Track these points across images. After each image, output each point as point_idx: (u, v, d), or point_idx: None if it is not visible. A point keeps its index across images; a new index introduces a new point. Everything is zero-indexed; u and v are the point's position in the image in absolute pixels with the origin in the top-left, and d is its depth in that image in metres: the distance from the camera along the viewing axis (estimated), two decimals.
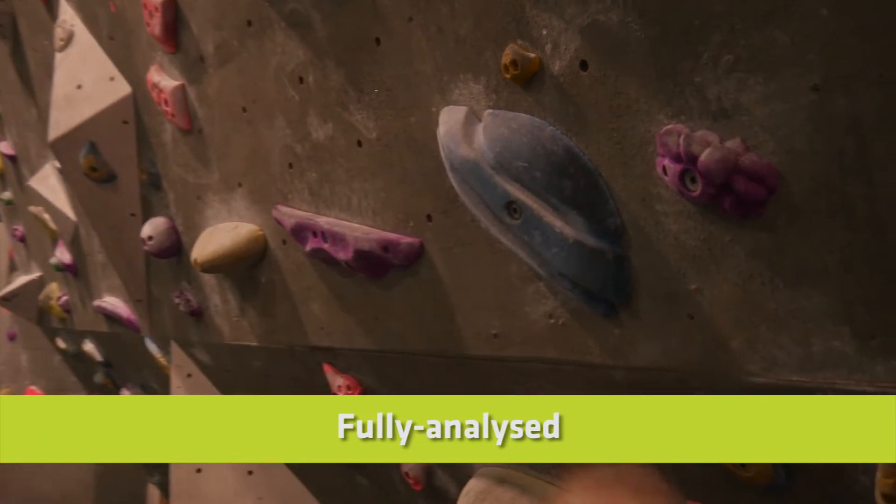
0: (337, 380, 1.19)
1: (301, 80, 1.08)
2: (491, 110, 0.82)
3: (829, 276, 0.63)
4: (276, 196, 1.18)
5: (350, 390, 1.16)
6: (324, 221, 1.06)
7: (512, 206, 0.77)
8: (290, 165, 1.14)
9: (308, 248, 1.09)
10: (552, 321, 0.82)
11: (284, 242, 1.19)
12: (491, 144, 0.78)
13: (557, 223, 0.74)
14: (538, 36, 0.79)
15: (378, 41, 0.96)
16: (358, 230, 1.01)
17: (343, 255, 1.01)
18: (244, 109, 1.22)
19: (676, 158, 0.67)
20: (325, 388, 1.25)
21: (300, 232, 1.09)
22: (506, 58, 0.80)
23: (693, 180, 0.67)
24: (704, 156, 0.65)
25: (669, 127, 0.69)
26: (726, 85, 0.67)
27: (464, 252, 0.92)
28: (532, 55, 0.79)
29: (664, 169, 0.69)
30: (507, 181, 0.77)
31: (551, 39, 0.78)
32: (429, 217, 0.95)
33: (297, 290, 1.20)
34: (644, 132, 0.73)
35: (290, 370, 1.32)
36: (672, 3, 0.67)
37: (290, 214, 1.11)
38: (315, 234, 1.07)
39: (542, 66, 0.79)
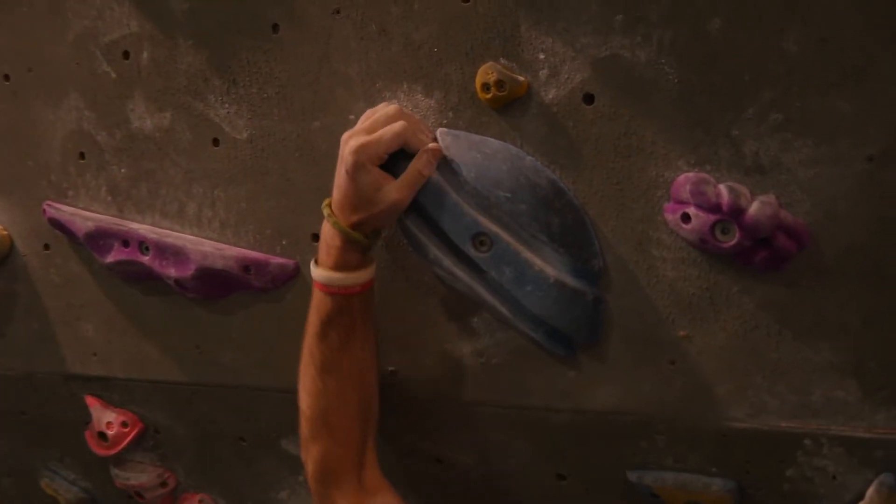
0: (106, 415, 1.04)
1: (126, 54, 0.83)
2: (446, 129, 0.68)
3: (847, 331, 0.61)
4: (45, 190, 0.93)
5: (126, 428, 1.04)
6: (146, 230, 0.87)
7: (480, 238, 0.67)
8: (82, 156, 0.90)
9: (109, 259, 0.89)
10: (481, 360, 0.76)
11: (48, 247, 0.96)
12: (464, 169, 0.66)
13: (537, 261, 0.66)
14: (531, 59, 0.64)
15: (276, 27, 0.76)
16: (206, 244, 0.84)
17: (175, 271, 0.84)
18: (6, 77, 0.93)
19: (712, 209, 0.59)
20: (68, 425, 1.08)
21: (100, 239, 0.89)
22: (489, 76, 0.64)
23: (725, 231, 0.60)
24: (754, 210, 0.58)
25: (700, 175, 0.59)
26: (768, 142, 0.58)
27: None
28: (521, 78, 0.64)
29: (684, 216, 0.61)
30: (478, 211, 0.66)
31: (549, 65, 0.63)
32: (315, 236, 0.80)
33: (58, 306, 0.99)
34: (655, 176, 0.63)
35: (16, 403, 1.11)
36: (721, 54, 0.58)
37: (85, 217, 0.90)
38: (127, 244, 0.88)
39: (530, 92, 0.64)
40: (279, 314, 0.86)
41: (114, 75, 0.86)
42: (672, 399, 0.70)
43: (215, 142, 0.83)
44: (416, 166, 0.64)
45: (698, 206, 0.59)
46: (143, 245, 0.87)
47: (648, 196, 0.64)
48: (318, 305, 0.69)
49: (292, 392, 0.79)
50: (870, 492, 0.65)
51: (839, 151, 0.57)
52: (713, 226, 0.59)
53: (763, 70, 0.58)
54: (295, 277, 0.83)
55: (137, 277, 0.91)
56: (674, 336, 0.67)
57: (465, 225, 0.65)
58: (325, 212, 0.66)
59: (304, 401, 0.74)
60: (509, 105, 0.67)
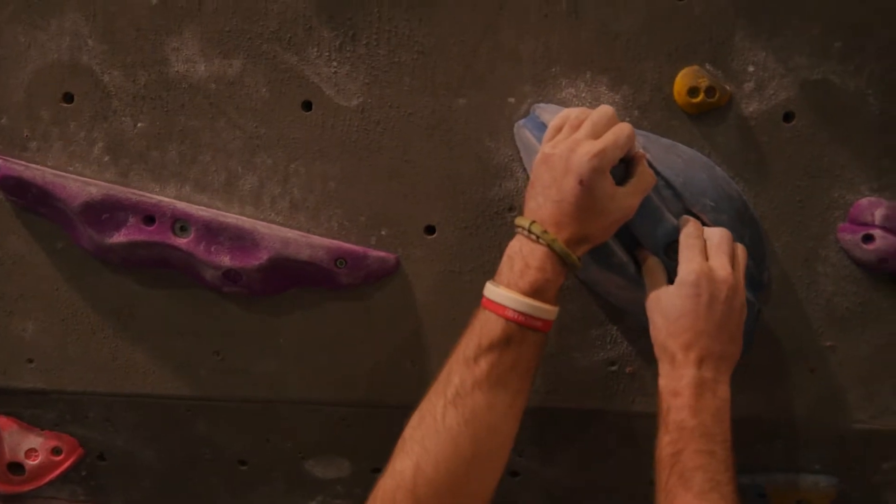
0: (28, 440, 1.14)
1: None
2: (638, 130, 0.93)
3: None
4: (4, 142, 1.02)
5: (59, 456, 1.15)
6: (187, 206, 1.01)
7: (675, 246, 0.94)
8: (68, 98, 1.00)
9: (115, 238, 1.00)
10: (613, 368, 1.08)
11: None
12: (669, 174, 0.92)
13: None
14: (739, 70, 0.93)
15: None
16: (284, 230, 1.01)
17: (232, 259, 1.00)
18: None
19: None
20: None
21: (105, 211, 0.99)
22: (700, 81, 0.91)
23: None
24: None
25: (887, 203, 0.96)
26: None
27: (477, 279, 1.02)
28: (728, 88, 0.91)
29: (865, 237, 0.95)
30: (677, 218, 0.92)
31: (756, 79, 0.93)
32: (429, 228, 1.03)
33: None
34: (837, 197, 0.99)
35: None
36: None
37: (86, 181, 1.00)
38: (151, 221, 1.00)
39: (731, 102, 0.92)
40: (358, 316, 1.07)
41: (154, 0, 0.93)
42: (803, 405, 1.07)
43: (306, 105, 1.00)
44: (646, 171, 0.87)
45: (887, 229, 0.93)
46: (178, 224, 0.99)
47: (826, 216, 0.99)
48: (482, 328, 0.89)
49: (357, 405, 1.05)
50: None
51: None
52: None
53: None
54: (391, 275, 1.02)
55: (146, 264, 1.05)
56: (820, 346, 1.02)
57: (664, 231, 0.94)
58: (536, 229, 0.87)
59: (413, 421, 0.91)
60: (707, 113, 0.93)
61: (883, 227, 0.97)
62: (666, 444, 0.86)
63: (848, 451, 1.11)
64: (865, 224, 0.98)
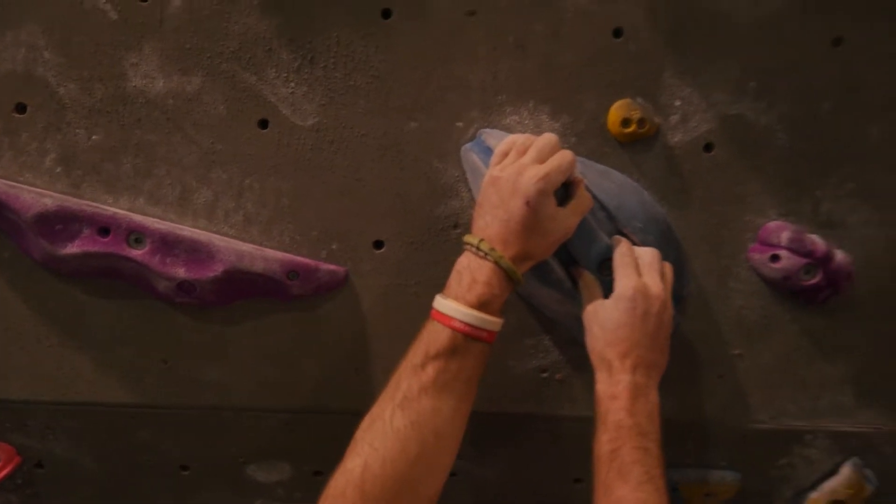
0: None
1: None
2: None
3: (862, 353, 1.17)
4: None
5: None
6: (144, 219, 1.04)
7: (607, 265, 1.03)
8: (20, 108, 1.02)
9: (68, 249, 1.02)
10: (545, 375, 1.17)
11: None
12: (604, 197, 1.01)
13: None
14: (667, 104, 1.02)
15: (388, 13, 1.02)
16: (240, 243, 1.06)
17: (187, 271, 1.04)
18: None
19: (805, 254, 1.06)
20: None
21: (60, 223, 1.01)
22: (633, 113, 1.00)
23: (808, 272, 1.07)
24: (841, 258, 1.09)
25: (791, 226, 1.06)
26: (841, 205, 1.08)
27: (422, 292, 1.10)
28: (656, 120, 1.00)
29: (773, 257, 1.06)
30: (606, 238, 1.02)
31: (682, 112, 1.02)
32: (378, 243, 1.09)
33: None
34: (748, 221, 1.09)
35: None
36: (823, 130, 1.05)
37: (41, 193, 1.02)
38: (106, 233, 1.03)
39: (658, 133, 1.01)
40: (307, 326, 1.12)
41: (114, 16, 0.99)
42: (712, 407, 1.17)
43: (263, 123, 1.04)
44: (584, 194, 0.95)
45: (792, 251, 1.04)
46: (133, 236, 1.02)
47: (738, 237, 1.10)
48: (430, 338, 0.95)
49: (301, 412, 1.10)
50: (844, 471, 1.21)
51: (885, 218, 1.10)
52: (801, 267, 1.04)
53: (850, 148, 1.07)
54: (339, 287, 1.07)
55: (97, 275, 1.07)
56: (728, 354, 1.13)
57: (598, 250, 1.02)
58: (484, 246, 0.94)
59: (364, 423, 0.96)
60: (637, 142, 1.02)
61: (788, 249, 1.08)
62: (605, 442, 0.94)
63: (750, 448, 1.22)
64: (773, 245, 1.09)
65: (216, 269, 1.05)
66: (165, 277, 1.05)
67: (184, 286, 1.05)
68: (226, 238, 1.06)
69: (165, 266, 1.04)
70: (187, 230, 1.04)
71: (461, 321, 0.91)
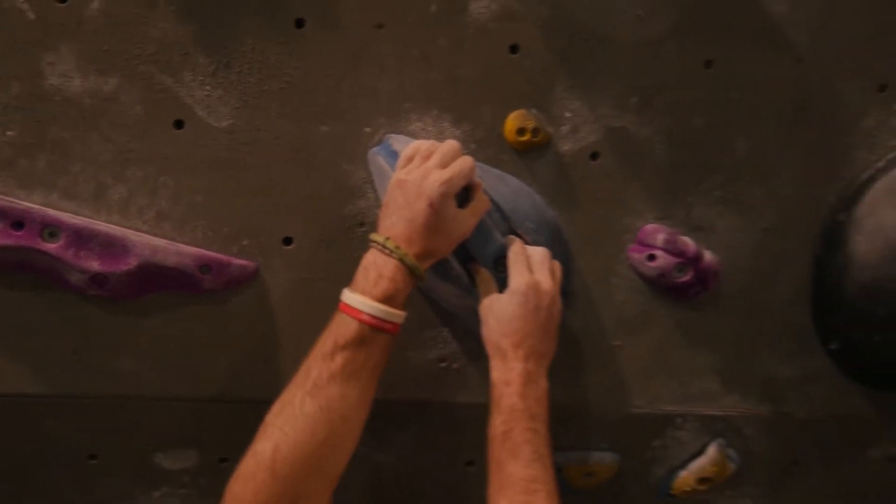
0: None
1: None
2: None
3: (724, 344, 1.29)
4: None
5: None
6: (58, 213, 1.06)
7: (502, 262, 1.12)
8: None
9: None
10: (443, 365, 1.26)
11: None
12: (499, 200, 1.09)
13: None
14: (558, 115, 1.12)
15: (301, 23, 1.07)
16: (153, 238, 1.10)
17: (101, 265, 1.07)
18: None
19: (677, 254, 1.17)
20: None
21: None
22: (527, 122, 1.10)
23: (681, 270, 1.17)
24: (710, 258, 1.21)
25: (666, 229, 1.16)
26: (710, 210, 1.20)
27: (329, 287, 1.12)
28: (549, 130, 1.09)
29: (650, 256, 1.16)
30: (501, 237, 1.10)
31: (572, 123, 1.12)
32: (287, 240, 1.15)
33: None
34: (629, 224, 1.19)
35: None
36: (696, 143, 1.17)
37: None
38: (20, 226, 1.05)
39: (550, 142, 1.11)
40: (217, 319, 1.17)
41: (31, 16, 1.02)
42: (594, 394, 1.28)
43: (178, 124, 1.09)
44: (482, 197, 1.03)
45: (667, 251, 1.15)
46: (48, 230, 1.04)
47: (619, 238, 1.20)
48: (339, 329, 1.02)
49: (210, 401, 1.16)
50: (710, 451, 1.34)
51: (747, 223, 1.22)
52: (674, 266, 1.15)
53: (718, 160, 1.18)
54: (250, 281, 1.12)
55: (7, 267, 1.11)
56: (610, 345, 1.24)
57: (494, 248, 1.11)
58: (389, 244, 1.01)
59: (274, 408, 1.03)
60: (531, 150, 1.11)
61: (663, 249, 1.19)
62: (499, 424, 1.03)
63: (628, 431, 1.33)
64: (650, 246, 1.20)
65: (130, 263, 1.08)
66: (79, 270, 1.07)
67: (97, 279, 1.08)
68: (140, 233, 1.10)
69: (80, 259, 1.07)
70: (102, 225, 1.08)
71: (368, 314, 0.98)
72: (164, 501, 1.31)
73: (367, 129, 1.11)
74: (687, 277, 1.21)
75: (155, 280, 1.11)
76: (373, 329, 0.99)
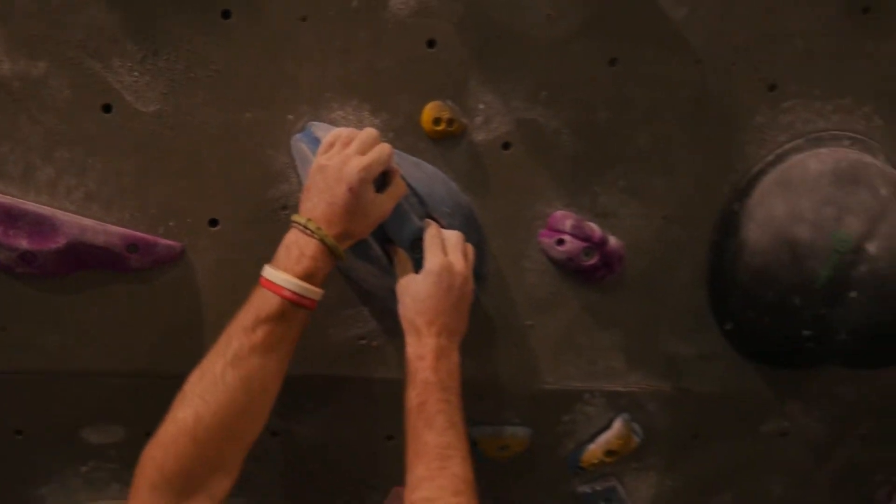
0: None
1: None
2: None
3: (628, 324, 1.37)
4: None
5: None
6: None
7: (417, 244, 1.19)
8: None
9: None
10: (362, 342, 1.33)
11: None
12: (416, 185, 1.16)
13: None
14: (472, 107, 1.19)
15: (228, 14, 1.13)
16: (81, 217, 1.14)
17: (30, 243, 1.11)
18: None
19: (584, 239, 1.26)
20: None
21: None
22: (443, 113, 1.17)
23: (588, 254, 1.26)
24: (614, 243, 1.30)
25: (573, 215, 1.24)
26: (614, 199, 1.28)
27: (252, 267, 1.15)
28: (463, 121, 1.16)
29: (559, 241, 1.24)
30: (420, 221, 1.17)
31: (485, 115, 1.19)
32: (213, 221, 1.21)
33: None
34: (539, 211, 1.27)
35: None
36: (601, 135, 1.25)
37: None
38: None
39: (464, 132, 1.18)
40: (143, 297, 1.22)
41: None
42: (507, 371, 1.36)
43: (106, 108, 1.14)
44: (399, 182, 1.09)
45: (574, 236, 1.23)
46: None
47: (530, 224, 1.28)
48: (260, 304, 1.09)
49: (136, 377, 1.21)
50: (616, 425, 1.42)
51: (649, 211, 1.30)
52: (582, 250, 1.24)
53: (622, 152, 1.27)
54: (176, 261, 1.17)
55: None
56: (522, 325, 1.31)
57: (410, 231, 1.18)
58: (311, 225, 1.07)
59: (193, 377, 1.08)
60: (446, 139, 1.18)
61: (571, 234, 1.27)
62: (414, 396, 1.10)
63: (539, 407, 1.42)
64: (559, 231, 1.28)
65: (59, 242, 1.12)
66: (7, 248, 1.11)
67: (25, 257, 1.12)
68: (69, 213, 1.13)
69: (8, 238, 1.11)
70: (31, 205, 1.12)
71: (290, 290, 1.05)
72: (91, 476, 1.36)
73: (290, 117, 1.17)
74: (593, 261, 1.30)
75: (83, 258, 1.15)
76: (293, 304, 1.05)
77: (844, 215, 1.23)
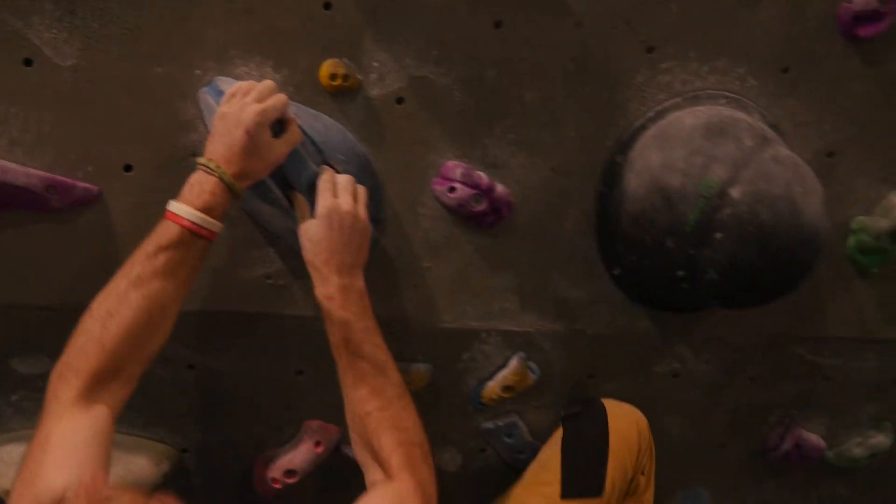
0: None
1: None
2: (292, 101, 1.36)
3: (520, 268, 1.59)
4: None
5: None
6: None
7: (314, 188, 1.39)
8: None
9: None
10: (270, 281, 1.55)
11: None
12: (313, 134, 1.36)
13: None
14: (367, 65, 1.38)
15: None
16: (2, 162, 1.32)
17: None
18: None
19: (473, 186, 1.46)
20: None
21: None
22: (339, 69, 1.36)
23: (477, 200, 1.46)
24: (501, 190, 1.50)
25: (464, 165, 1.44)
26: (504, 150, 1.49)
27: (163, 209, 1.32)
28: (359, 77, 1.36)
29: (450, 188, 1.44)
30: (317, 167, 1.36)
31: (379, 72, 1.39)
32: (127, 167, 1.42)
33: None
34: (432, 161, 1.47)
35: None
36: (489, 92, 1.47)
37: None
38: None
39: (360, 88, 1.37)
40: (64, 236, 1.42)
41: None
42: (408, 310, 1.58)
43: (27, 62, 1.32)
44: (295, 130, 1.29)
45: (464, 184, 1.44)
46: None
47: (424, 173, 1.49)
48: (163, 233, 1.28)
49: (58, 310, 1.41)
50: (512, 363, 1.64)
51: (537, 162, 1.51)
52: (471, 197, 1.44)
53: (510, 108, 1.48)
54: (94, 203, 1.36)
55: None
56: (420, 267, 1.52)
57: (307, 176, 1.38)
58: (211, 165, 1.27)
59: (100, 297, 1.26)
60: (343, 93, 1.38)
61: (462, 182, 1.48)
62: (335, 333, 1.32)
63: (440, 344, 1.64)
64: (450, 179, 1.49)
65: None
66: None
67: None
68: None
69: None
70: None
71: (189, 220, 1.23)
72: (21, 405, 1.56)
73: (198, 72, 1.37)
74: (482, 207, 1.50)
75: (4, 199, 1.35)
76: (192, 234, 1.24)
77: (711, 164, 1.44)
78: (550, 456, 1.70)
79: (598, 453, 1.66)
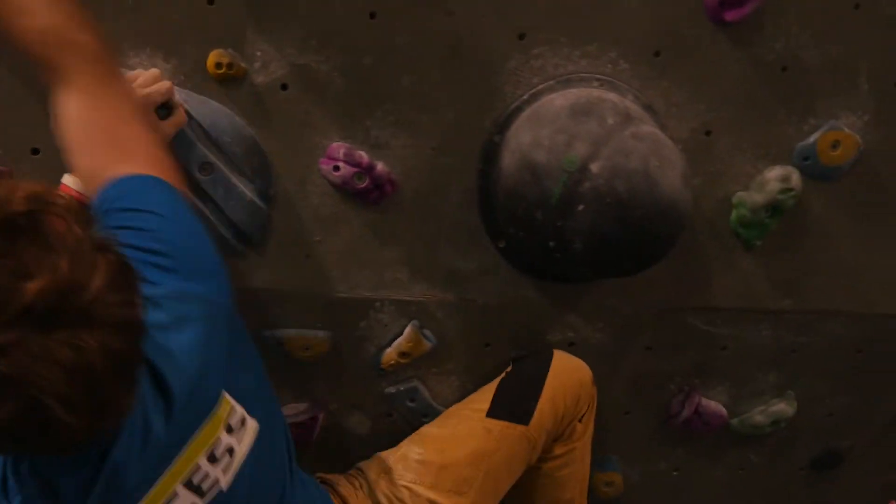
0: None
1: None
2: (178, 88, 1.58)
3: (408, 241, 1.83)
4: None
5: None
6: None
7: (204, 166, 1.63)
8: None
9: None
10: None
11: None
12: (201, 118, 1.59)
13: (240, 186, 1.65)
14: (251, 54, 1.62)
15: None
16: None
17: None
18: None
19: (355, 165, 1.70)
20: None
21: None
22: (223, 58, 1.61)
23: (359, 178, 1.69)
24: (381, 168, 1.74)
25: (347, 146, 1.67)
26: (385, 132, 1.75)
27: None
28: (243, 65, 1.58)
29: (335, 167, 1.67)
30: (205, 146, 1.59)
31: (262, 60, 1.63)
32: (35, 150, 1.65)
33: None
34: (317, 142, 1.71)
35: None
36: (368, 78, 1.69)
37: None
38: None
39: (246, 75, 1.61)
40: None
41: None
42: (303, 280, 1.82)
43: None
44: (181, 113, 1.52)
45: (347, 163, 1.67)
46: None
47: (312, 152, 1.75)
48: None
49: None
50: (406, 330, 1.89)
51: (418, 142, 1.77)
52: (354, 174, 1.67)
53: (389, 91, 1.73)
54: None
55: None
56: (312, 240, 1.76)
57: (195, 155, 1.60)
58: None
59: None
60: (230, 81, 1.62)
61: (345, 161, 1.72)
62: None
63: (337, 313, 1.88)
64: (335, 159, 1.73)
65: None
66: None
67: None
68: None
69: None
70: None
71: (77, 190, 1.46)
72: None
73: None
74: (365, 184, 1.74)
75: None
76: (80, 203, 1.45)
77: (574, 141, 1.67)
78: (491, 386, 1.97)
79: (533, 387, 1.94)
